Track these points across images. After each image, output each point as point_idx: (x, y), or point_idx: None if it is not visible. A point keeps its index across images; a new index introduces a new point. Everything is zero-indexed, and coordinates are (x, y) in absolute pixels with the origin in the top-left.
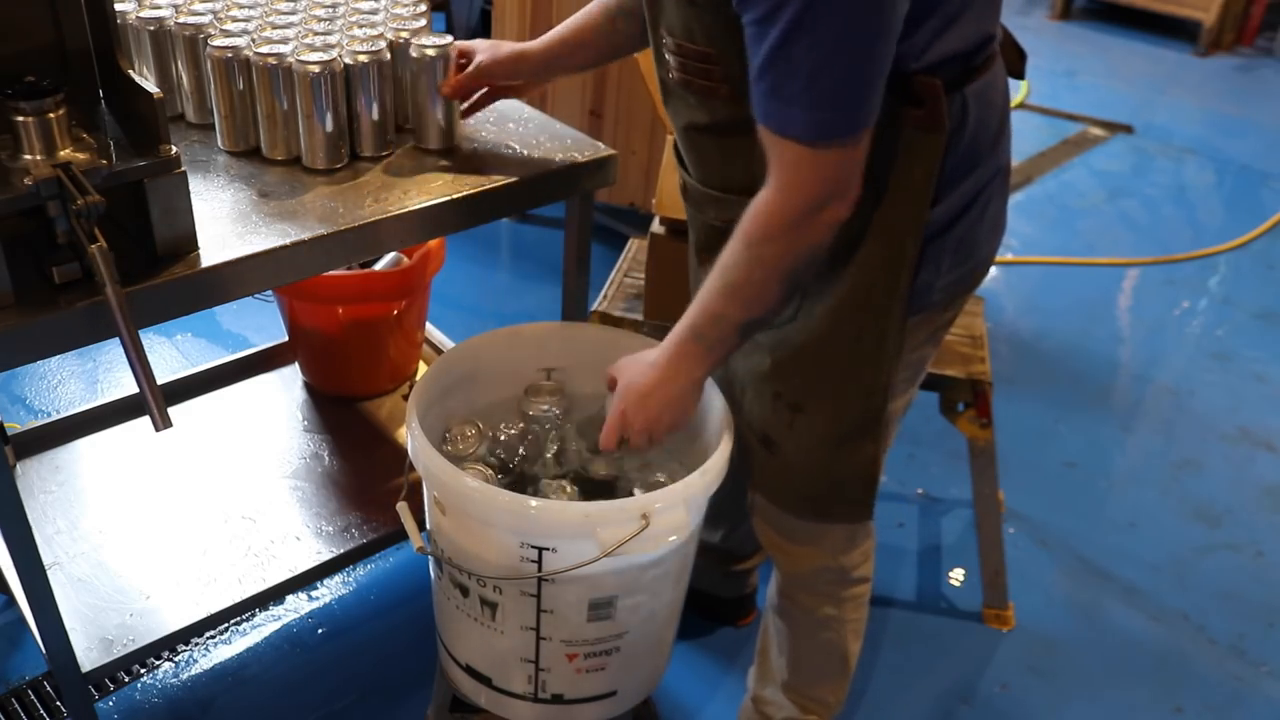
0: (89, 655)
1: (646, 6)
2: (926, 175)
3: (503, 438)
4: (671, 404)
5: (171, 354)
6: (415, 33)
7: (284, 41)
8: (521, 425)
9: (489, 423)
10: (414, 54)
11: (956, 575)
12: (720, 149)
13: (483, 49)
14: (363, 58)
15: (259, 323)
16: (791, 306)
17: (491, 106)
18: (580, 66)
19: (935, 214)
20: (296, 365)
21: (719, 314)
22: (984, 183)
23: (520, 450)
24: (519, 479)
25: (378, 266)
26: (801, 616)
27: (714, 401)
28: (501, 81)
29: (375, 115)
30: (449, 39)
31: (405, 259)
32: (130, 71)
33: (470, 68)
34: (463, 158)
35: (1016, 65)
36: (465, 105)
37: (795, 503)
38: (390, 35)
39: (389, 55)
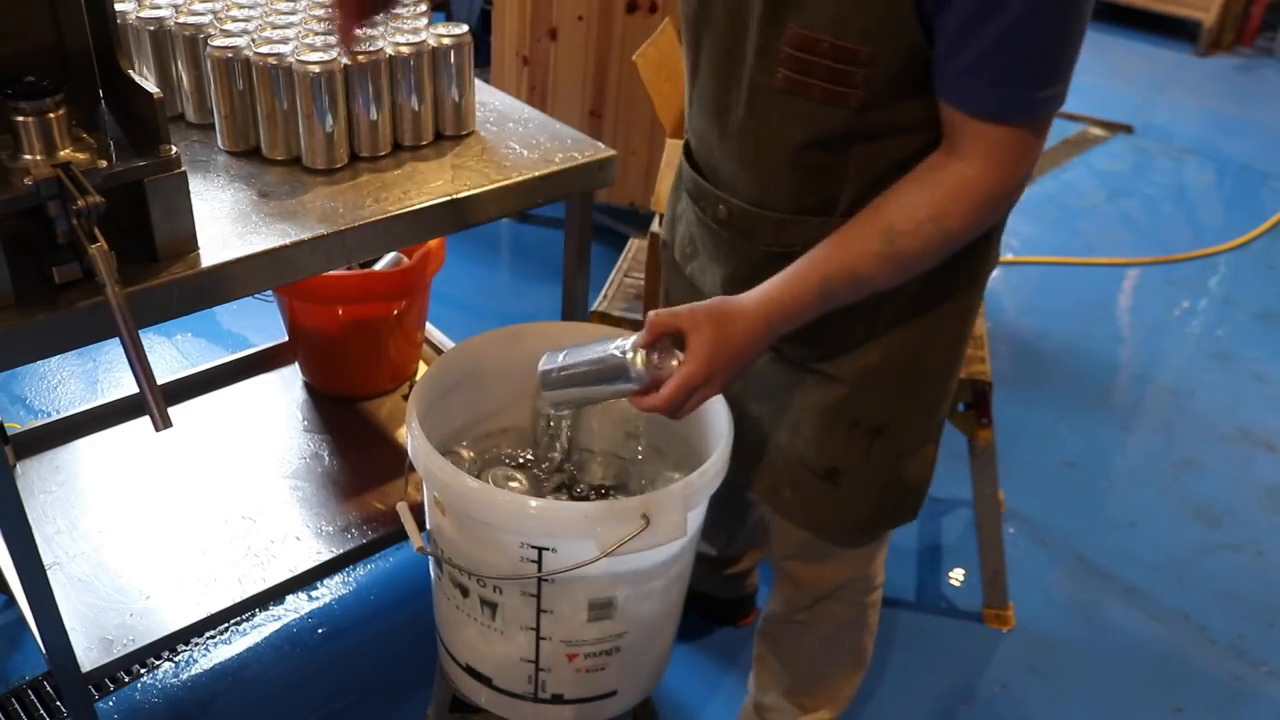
0: (89, 655)
1: (764, 2)
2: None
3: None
4: (750, 364)
5: (171, 354)
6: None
7: (284, 41)
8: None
9: (486, 442)
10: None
11: (956, 575)
12: (810, 169)
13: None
14: (361, 58)
15: (259, 323)
16: (859, 332)
17: (491, 106)
18: None
19: None
20: (296, 365)
21: (865, 276)
22: None
23: (549, 451)
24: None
25: (378, 266)
26: (825, 626)
27: (714, 403)
28: None
29: (374, 115)
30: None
31: (405, 259)
32: (130, 71)
33: None
34: (463, 158)
35: None
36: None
37: (852, 529)
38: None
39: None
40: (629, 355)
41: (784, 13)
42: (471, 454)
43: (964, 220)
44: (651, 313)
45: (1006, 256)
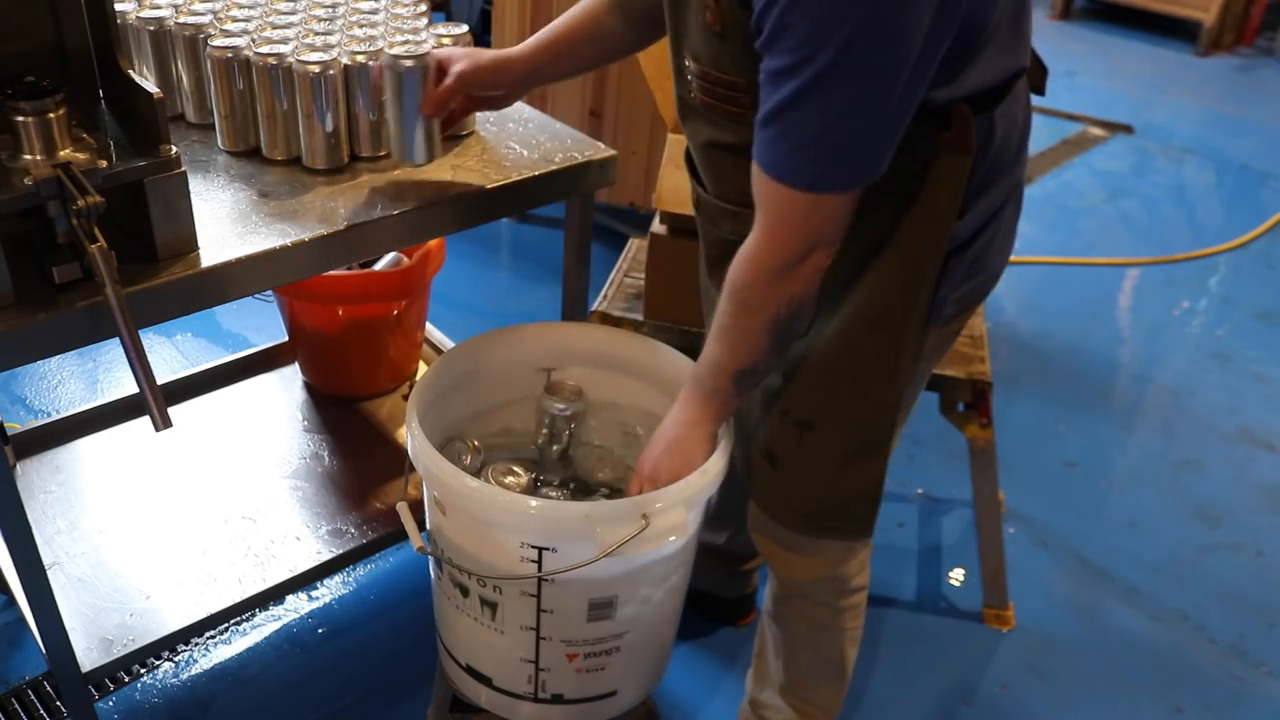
0: (89, 655)
1: (669, 24)
2: (952, 197)
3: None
4: (673, 451)
5: (171, 354)
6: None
7: (284, 41)
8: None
9: (490, 437)
10: (389, 64)
11: (956, 575)
12: (740, 166)
13: (461, 56)
14: (360, 58)
15: (259, 323)
16: (803, 326)
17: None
18: (566, 74)
19: (955, 230)
20: (296, 365)
21: (716, 362)
22: (1001, 199)
23: (549, 451)
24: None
25: (378, 266)
26: (799, 624)
27: None
28: (482, 92)
29: (374, 115)
30: (427, 47)
31: (405, 259)
32: (130, 71)
33: (450, 78)
34: (463, 158)
35: (1038, 80)
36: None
37: (797, 519)
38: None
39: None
40: None
41: (682, 46)
42: (477, 443)
43: (752, 290)
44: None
45: None
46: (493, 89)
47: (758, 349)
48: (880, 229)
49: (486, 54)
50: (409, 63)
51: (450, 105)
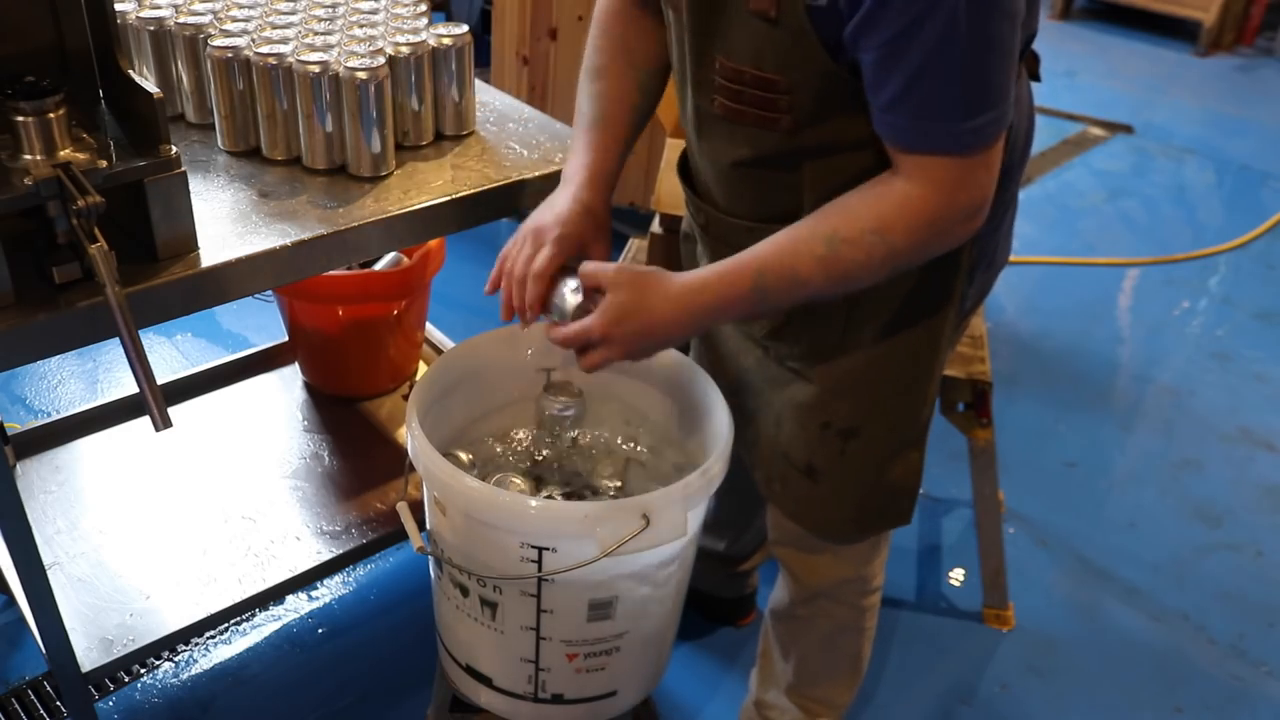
0: (89, 655)
1: (691, 33)
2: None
3: (520, 447)
4: (664, 340)
5: (171, 354)
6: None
7: (284, 41)
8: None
9: (486, 443)
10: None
11: (956, 575)
12: (768, 182)
13: (562, 230)
14: (360, 64)
15: (259, 323)
16: (835, 334)
17: (491, 106)
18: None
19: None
20: (296, 365)
21: (803, 278)
22: (1013, 190)
23: (542, 452)
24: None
25: (378, 266)
26: (822, 624)
27: (714, 401)
28: (581, 250)
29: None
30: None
31: (405, 259)
32: (130, 71)
33: (547, 247)
34: (463, 158)
35: (1033, 66)
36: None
37: (840, 527)
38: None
39: (387, 66)
40: (565, 294)
41: (710, 46)
42: (470, 456)
43: (906, 236)
44: (585, 264)
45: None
46: (587, 241)
47: (865, 284)
48: None
49: (570, 215)
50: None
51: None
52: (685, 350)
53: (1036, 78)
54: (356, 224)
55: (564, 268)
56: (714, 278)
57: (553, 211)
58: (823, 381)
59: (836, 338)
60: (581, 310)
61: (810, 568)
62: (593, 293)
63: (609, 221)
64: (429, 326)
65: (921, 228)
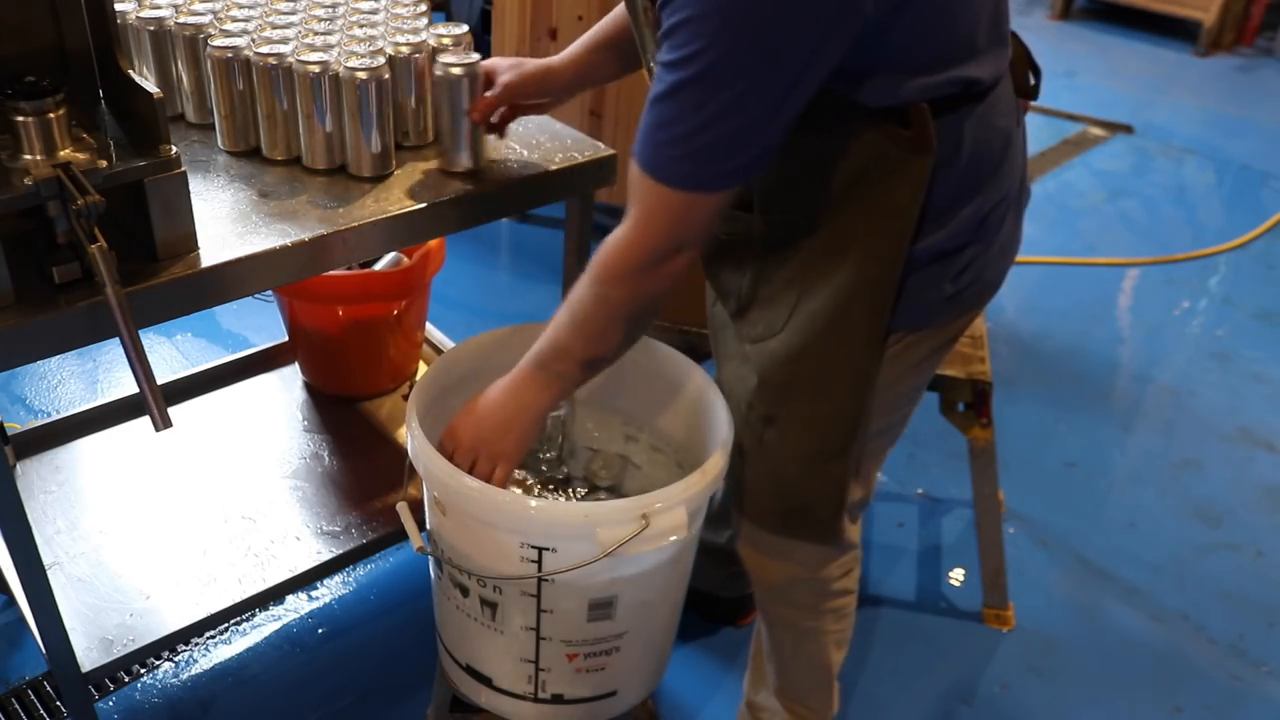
0: (89, 655)
1: (636, 36)
2: (912, 197)
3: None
4: (505, 429)
5: (171, 354)
6: (445, 49)
7: (284, 41)
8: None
9: None
10: (440, 72)
11: (956, 575)
12: None
13: (506, 67)
14: (360, 64)
15: (259, 323)
16: (782, 319)
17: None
18: (606, 79)
19: (937, 240)
20: (296, 365)
21: (564, 348)
22: (989, 207)
23: (549, 451)
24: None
25: (378, 266)
26: (780, 628)
27: (715, 403)
28: (527, 100)
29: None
30: (475, 57)
31: (405, 259)
32: (130, 71)
33: (496, 88)
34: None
35: (1024, 84)
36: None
37: (764, 517)
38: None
39: (388, 66)
40: None
41: (646, 49)
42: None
43: (615, 284)
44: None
45: None
46: (538, 98)
47: (610, 340)
48: (840, 227)
49: (531, 64)
50: (457, 70)
51: (495, 114)
52: (693, 355)
53: (1029, 95)
54: (356, 224)
55: None
56: (519, 365)
57: (518, 63)
58: (758, 365)
59: (780, 324)
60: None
61: (761, 565)
62: None
63: (561, 87)
64: (429, 326)
65: (626, 269)
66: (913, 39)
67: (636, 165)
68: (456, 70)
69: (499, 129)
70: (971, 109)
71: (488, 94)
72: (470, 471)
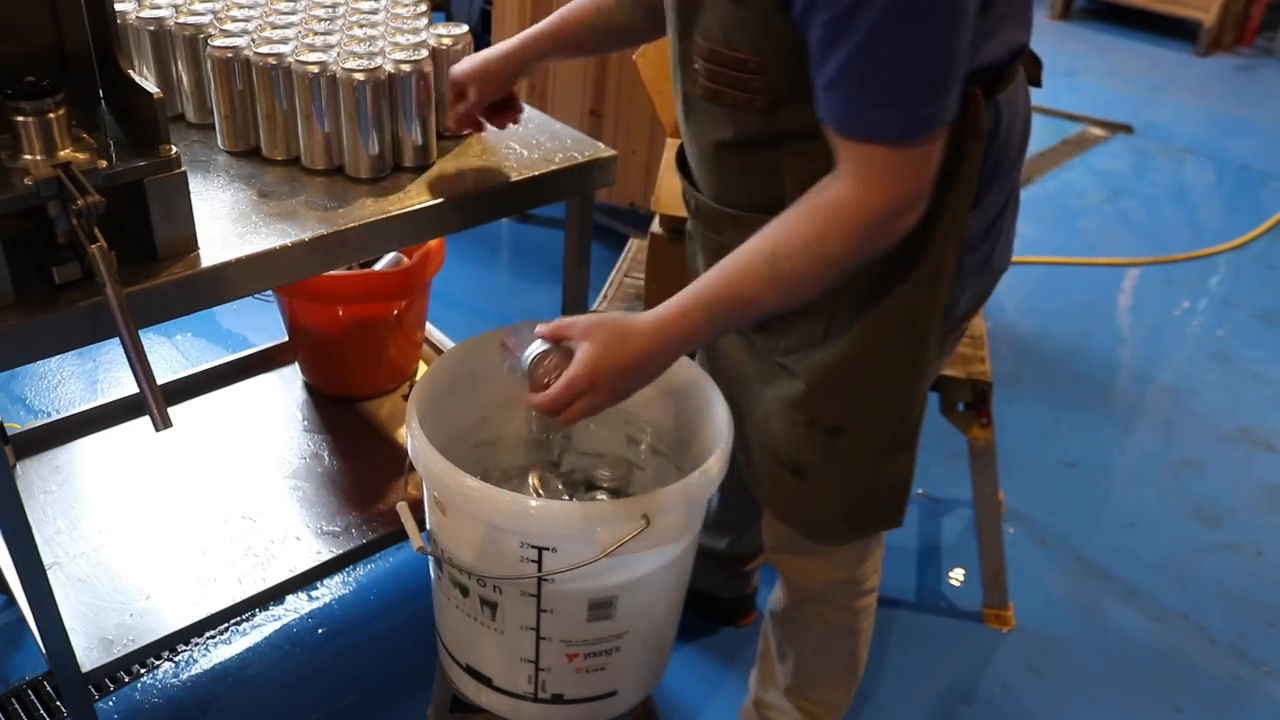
0: (89, 655)
1: (676, 12)
2: (968, 184)
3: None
4: (643, 381)
5: (171, 354)
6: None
7: (284, 41)
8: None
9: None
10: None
11: (956, 575)
12: (747, 167)
13: (469, 74)
14: (357, 65)
15: (259, 323)
16: (820, 327)
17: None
18: (566, 57)
19: (970, 228)
20: (296, 365)
21: (751, 299)
22: (1004, 198)
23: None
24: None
25: (378, 266)
26: (814, 628)
27: (714, 402)
28: (498, 94)
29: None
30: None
31: (405, 259)
32: (130, 71)
33: (470, 97)
34: (463, 158)
35: (1034, 72)
36: (486, 124)
37: (829, 526)
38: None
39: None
40: (527, 355)
41: (690, 26)
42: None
43: (841, 242)
44: (542, 325)
45: None
46: (508, 88)
47: (812, 295)
48: None
49: (489, 59)
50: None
51: (476, 118)
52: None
53: (1037, 83)
54: (356, 224)
55: (516, 328)
56: (674, 312)
57: (471, 59)
58: (808, 378)
59: (821, 332)
60: (539, 365)
61: (801, 570)
62: (560, 347)
63: (521, 69)
64: (429, 326)
65: (856, 231)
66: None
67: (844, 135)
68: (406, 67)
69: (500, 125)
70: (1003, 91)
71: (460, 106)
72: (568, 406)
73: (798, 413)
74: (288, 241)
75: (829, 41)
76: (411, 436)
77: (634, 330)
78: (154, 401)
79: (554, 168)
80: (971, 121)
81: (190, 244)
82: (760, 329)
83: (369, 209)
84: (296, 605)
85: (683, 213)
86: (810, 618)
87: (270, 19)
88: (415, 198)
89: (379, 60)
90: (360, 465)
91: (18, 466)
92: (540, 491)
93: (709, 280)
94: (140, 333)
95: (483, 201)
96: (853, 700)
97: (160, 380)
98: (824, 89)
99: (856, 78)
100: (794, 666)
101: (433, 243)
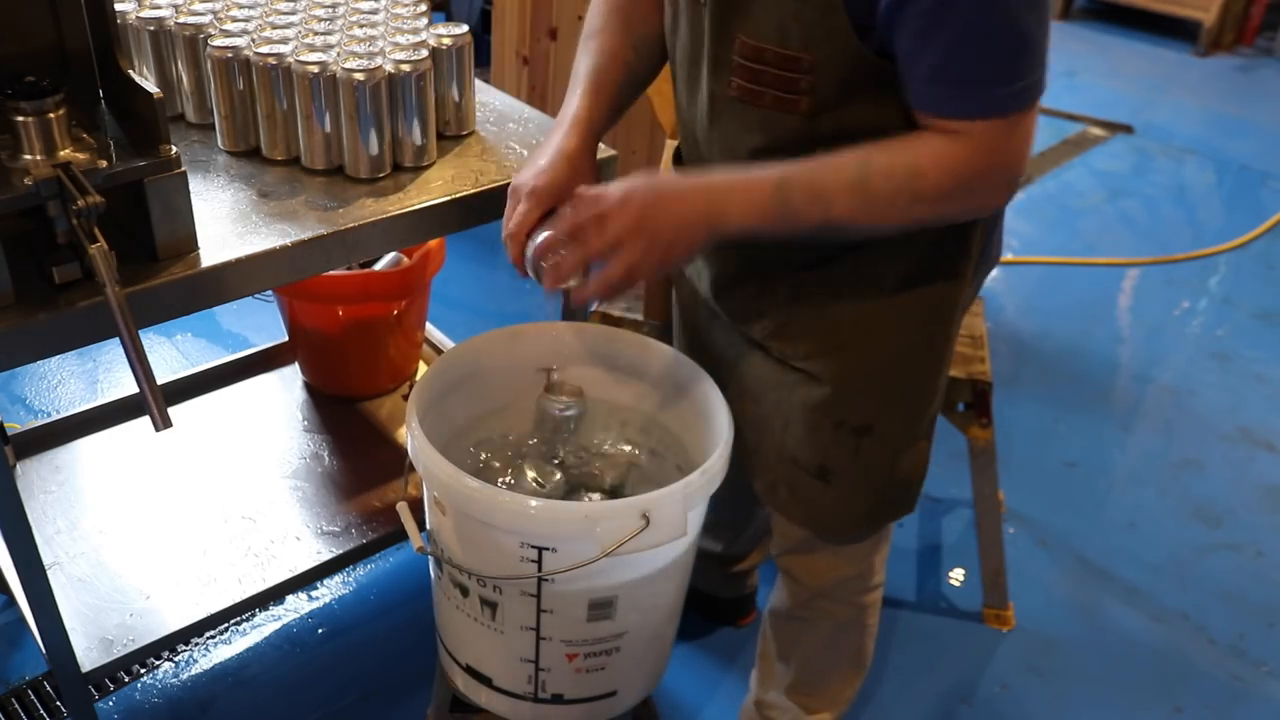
0: (89, 655)
1: (712, 12)
2: None
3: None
4: (691, 243)
5: (171, 354)
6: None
7: (284, 41)
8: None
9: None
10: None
11: (956, 575)
12: None
13: (536, 182)
14: (357, 65)
15: (259, 323)
16: (841, 331)
17: (491, 106)
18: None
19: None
20: (296, 365)
21: (826, 193)
22: None
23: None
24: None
25: (378, 266)
26: (823, 624)
27: (714, 401)
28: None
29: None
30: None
31: (405, 259)
32: (130, 71)
33: (523, 202)
34: (463, 158)
35: None
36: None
37: (849, 525)
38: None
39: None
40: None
41: (731, 25)
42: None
43: (936, 184)
44: (581, 187)
45: (1006, 256)
46: (569, 190)
47: (882, 229)
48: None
49: (553, 163)
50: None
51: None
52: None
53: None
54: (356, 224)
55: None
56: (734, 176)
57: (532, 165)
58: (836, 380)
59: (845, 332)
60: (545, 248)
61: (811, 569)
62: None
63: (593, 167)
64: (429, 326)
65: (952, 179)
66: None
67: (964, 122)
68: (406, 67)
69: None
70: None
71: (520, 210)
72: (609, 277)
73: (824, 416)
74: (288, 241)
75: (929, 30)
76: (411, 436)
77: (675, 176)
78: (154, 401)
79: None
80: None
81: (190, 244)
82: (775, 335)
83: (369, 209)
84: (296, 605)
85: None
86: (819, 615)
87: (270, 19)
88: (415, 198)
89: (379, 60)
90: (360, 465)
91: (18, 466)
92: (540, 481)
93: (788, 164)
94: (140, 333)
95: (483, 201)
96: (855, 697)
97: (160, 380)
98: (926, 80)
99: (962, 63)
100: (799, 664)
101: (433, 243)
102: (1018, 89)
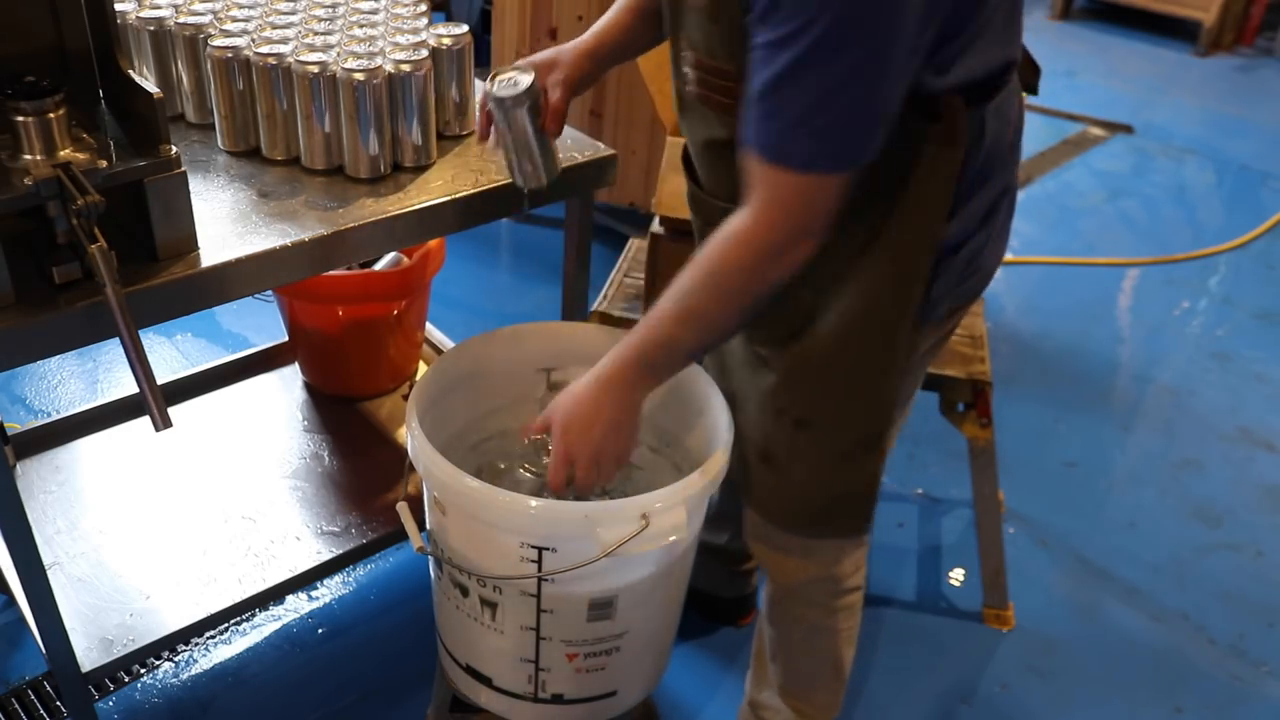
0: (89, 655)
1: (669, 19)
2: (943, 190)
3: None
4: (616, 431)
5: (171, 354)
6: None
7: (284, 41)
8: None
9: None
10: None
11: (956, 575)
12: (735, 163)
13: (553, 64)
14: (357, 65)
15: (259, 323)
16: (795, 321)
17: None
18: (621, 61)
19: (948, 231)
20: (296, 365)
21: (671, 340)
22: (994, 199)
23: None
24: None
25: (378, 266)
26: (794, 626)
27: (714, 401)
28: (584, 89)
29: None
30: (530, 78)
31: (405, 259)
32: (130, 71)
33: (557, 90)
34: (463, 158)
35: (1030, 79)
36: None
37: (793, 519)
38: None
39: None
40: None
41: (679, 37)
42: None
43: (737, 273)
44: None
45: (1006, 257)
46: (592, 80)
47: (727, 329)
48: (872, 223)
49: (570, 54)
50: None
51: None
52: None
53: (1033, 90)
54: (356, 224)
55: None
56: (611, 362)
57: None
58: (782, 370)
59: (799, 325)
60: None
61: (780, 566)
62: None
63: (591, 67)
64: (429, 326)
65: (750, 258)
66: (972, 7)
67: (756, 154)
68: (521, 96)
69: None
70: (991, 99)
71: (553, 102)
72: (578, 479)
73: (769, 402)
74: (288, 241)
75: (762, 60)
76: (411, 436)
77: (580, 384)
78: (154, 401)
79: None
80: (949, 129)
81: (190, 244)
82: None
83: (369, 209)
84: (296, 605)
85: (683, 214)
86: (791, 618)
87: (270, 19)
88: (415, 198)
89: (379, 60)
90: (360, 465)
91: (18, 466)
92: (534, 471)
93: (639, 330)
94: (140, 333)
95: (483, 201)
96: (844, 700)
97: (160, 380)
98: (749, 103)
99: (777, 100)
100: (783, 665)
101: (433, 243)
102: (822, 149)
